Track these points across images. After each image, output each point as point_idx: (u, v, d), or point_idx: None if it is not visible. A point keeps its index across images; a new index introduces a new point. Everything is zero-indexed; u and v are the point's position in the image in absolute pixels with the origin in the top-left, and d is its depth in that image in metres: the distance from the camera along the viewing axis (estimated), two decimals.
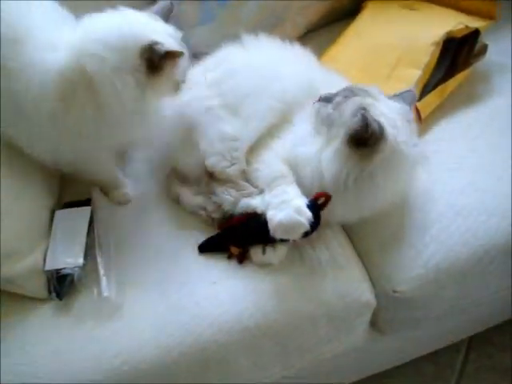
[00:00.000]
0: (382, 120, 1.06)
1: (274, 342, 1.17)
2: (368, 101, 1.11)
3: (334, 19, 1.73)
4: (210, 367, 1.15)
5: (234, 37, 1.39)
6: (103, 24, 1.13)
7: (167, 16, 1.21)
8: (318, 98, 1.16)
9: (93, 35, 1.10)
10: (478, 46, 1.45)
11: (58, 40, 1.13)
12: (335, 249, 1.22)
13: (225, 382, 1.19)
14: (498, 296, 1.31)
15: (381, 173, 1.08)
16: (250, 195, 1.20)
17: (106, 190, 1.36)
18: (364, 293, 1.20)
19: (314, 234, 1.15)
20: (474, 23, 1.45)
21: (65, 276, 1.18)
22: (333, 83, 1.24)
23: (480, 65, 1.47)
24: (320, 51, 1.55)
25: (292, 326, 1.16)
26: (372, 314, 1.24)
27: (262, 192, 1.19)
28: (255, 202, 1.17)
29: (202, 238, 1.24)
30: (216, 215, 1.24)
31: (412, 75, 1.38)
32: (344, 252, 1.23)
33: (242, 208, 1.19)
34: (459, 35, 1.43)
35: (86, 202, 1.31)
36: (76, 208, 1.30)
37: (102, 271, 1.19)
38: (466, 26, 1.42)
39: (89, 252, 1.23)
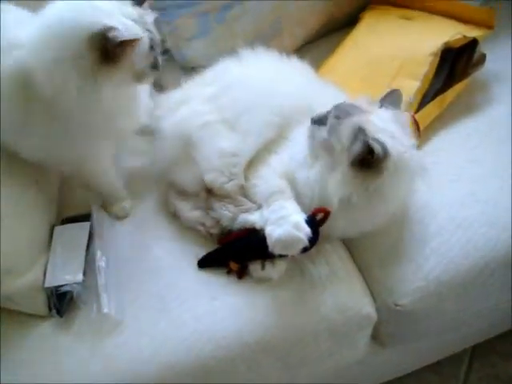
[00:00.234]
0: (382, 137, 1.06)
1: (274, 358, 1.17)
2: (362, 119, 1.10)
3: (332, 29, 1.73)
4: (211, 383, 1.15)
5: (230, 50, 1.39)
6: (52, 11, 1.07)
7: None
8: (310, 120, 1.15)
9: (39, 25, 1.06)
10: (476, 56, 1.44)
11: (20, 38, 1.09)
12: (335, 263, 1.21)
13: None
14: (500, 308, 1.30)
15: (386, 187, 1.08)
16: (248, 211, 1.20)
17: (105, 204, 1.36)
18: (365, 307, 1.19)
19: (314, 249, 1.14)
20: (472, 33, 1.44)
21: (65, 293, 1.18)
22: (330, 97, 1.23)
23: (478, 74, 1.46)
24: (318, 62, 1.56)
25: (292, 341, 1.16)
26: (373, 328, 1.24)
27: (260, 207, 1.18)
28: (253, 218, 1.17)
29: (201, 253, 1.23)
30: (215, 230, 1.24)
31: (411, 86, 1.37)
32: (344, 266, 1.22)
33: (240, 224, 1.19)
34: (457, 45, 1.43)
35: (85, 217, 1.31)
36: (75, 224, 1.29)
37: (101, 287, 1.18)
38: (464, 36, 1.42)
39: (88, 268, 1.22)
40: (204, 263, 1.22)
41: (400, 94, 1.19)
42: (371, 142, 1.03)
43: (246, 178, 1.23)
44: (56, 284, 1.19)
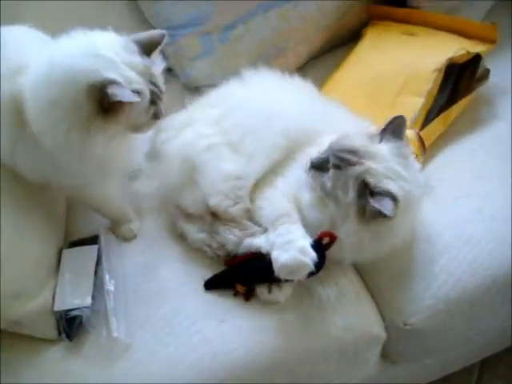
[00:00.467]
0: (387, 183, 1.05)
1: (285, 379, 1.17)
2: (364, 167, 1.07)
3: (335, 45, 1.74)
4: None
5: (234, 69, 1.40)
6: (59, 51, 1.04)
7: (153, 47, 1.09)
8: (310, 162, 1.13)
9: (44, 62, 1.03)
10: (479, 71, 1.44)
11: (27, 63, 1.08)
12: (344, 283, 1.21)
13: None
14: (509, 322, 1.30)
15: (395, 224, 1.07)
16: (253, 235, 1.19)
17: (113, 225, 1.36)
18: (374, 326, 1.20)
19: (322, 270, 1.14)
20: (475, 48, 1.45)
21: (74, 317, 1.18)
22: (335, 116, 1.24)
23: (482, 89, 1.46)
24: (322, 78, 1.56)
25: (302, 362, 1.16)
26: (382, 346, 1.24)
27: (265, 231, 1.18)
28: (259, 242, 1.17)
29: (208, 275, 1.23)
30: (221, 252, 1.23)
31: (415, 103, 1.38)
32: (353, 286, 1.22)
33: (245, 248, 1.18)
34: (461, 61, 1.43)
35: (93, 240, 1.31)
36: (83, 247, 1.30)
37: (110, 312, 1.18)
38: (468, 52, 1.42)
39: (96, 291, 1.22)
40: (210, 285, 1.22)
41: (403, 122, 1.15)
42: (381, 207, 1.02)
43: (252, 200, 1.23)
44: (65, 308, 1.19)
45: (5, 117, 1.10)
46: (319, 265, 1.09)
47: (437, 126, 1.39)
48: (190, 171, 1.26)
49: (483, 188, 1.30)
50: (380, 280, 1.24)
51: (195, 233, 1.27)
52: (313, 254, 1.07)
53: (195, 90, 1.57)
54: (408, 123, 1.32)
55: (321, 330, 1.16)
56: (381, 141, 1.13)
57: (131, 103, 0.99)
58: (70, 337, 1.18)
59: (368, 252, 1.13)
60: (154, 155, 1.34)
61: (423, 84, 1.39)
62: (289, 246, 1.08)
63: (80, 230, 1.37)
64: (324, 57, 1.74)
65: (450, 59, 1.41)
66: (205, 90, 1.44)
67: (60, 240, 1.34)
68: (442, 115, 1.39)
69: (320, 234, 1.10)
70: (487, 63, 1.45)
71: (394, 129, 1.13)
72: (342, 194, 1.08)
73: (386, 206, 1.02)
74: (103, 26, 1.42)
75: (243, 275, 1.18)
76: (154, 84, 1.07)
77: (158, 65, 1.10)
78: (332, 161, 1.09)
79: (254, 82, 1.35)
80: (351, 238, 1.08)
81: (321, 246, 1.09)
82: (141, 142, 1.20)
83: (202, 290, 1.23)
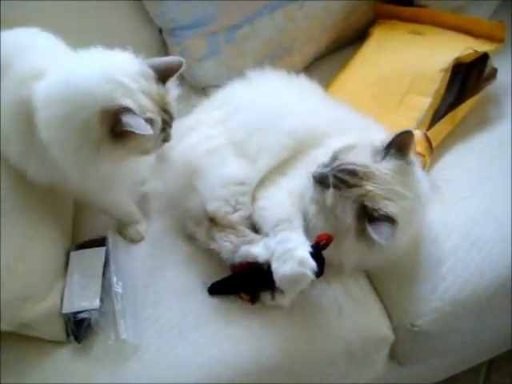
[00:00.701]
0: (386, 206, 1.04)
1: (292, 381, 1.17)
2: (363, 190, 1.06)
3: (342, 45, 1.73)
4: None
5: (241, 69, 1.39)
6: (76, 69, 1.04)
7: (170, 74, 1.08)
8: (312, 176, 1.13)
9: (60, 78, 1.04)
10: (487, 70, 1.43)
11: (44, 70, 1.08)
12: (351, 285, 1.21)
13: None
14: None
15: (397, 237, 1.07)
16: (250, 242, 1.16)
17: (120, 227, 1.37)
18: (382, 328, 1.20)
19: (331, 272, 1.14)
20: (483, 47, 1.44)
21: (82, 319, 1.19)
22: (342, 118, 1.24)
23: (489, 88, 1.45)
24: (328, 78, 1.56)
25: (310, 364, 1.16)
26: (390, 348, 1.24)
27: (264, 236, 1.16)
28: (256, 251, 1.14)
29: (216, 277, 1.23)
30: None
31: (422, 103, 1.38)
32: (360, 288, 1.22)
33: (241, 256, 1.16)
34: (468, 60, 1.43)
35: (100, 242, 1.31)
36: (91, 249, 1.30)
37: (118, 314, 1.19)
38: (475, 51, 1.41)
39: (104, 293, 1.22)
40: (214, 290, 1.22)
41: (410, 138, 1.09)
42: (374, 235, 1.01)
43: (254, 198, 1.22)
44: (73, 310, 1.20)
45: (15, 121, 1.11)
46: (319, 271, 1.07)
47: (444, 125, 1.38)
48: (192, 175, 1.25)
49: (491, 188, 1.29)
50: (387, 282, 1.23)
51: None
52: (313, 264, 1.06)
53: (202, 90, 1.57)
54: (415, 124, 1.34)
55: (329, 331, 1.16)
56: (384, 157, 1.09)
57: (141, 134, 0.98)
58: (78, 339, 1.19)
59: (369, 263, 1.15)
60: (161, 158, 1.34)
61: (430, 84, 1.38)
62: (288, 255, 1.07)
63: (87, 232, 1.37)
64: (330, 57, 1.74)
65: (456, 59, 1.40)
66: (211, 91, 1.44)
67: (68, 242, 1.34)
68: (450, 115, 1.38)
69: (317, 237, 1.09)
70: (495, 63, 1.44)
71: (399, 144, 1.08)
72: (342, 215, 1.07)
73: (382, 233, 1.01)
74: (107, 27, 1.44)
75: (246, 283, 1.17)
76: (167, 112, 1.07)
77: (172, 91, 1.10)
78: (331, 180, 1.08)
79: (259, 82, 1.35)
80: (351, 254, 1.09)
81: (319, 249, 1.08)
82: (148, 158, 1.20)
83: None
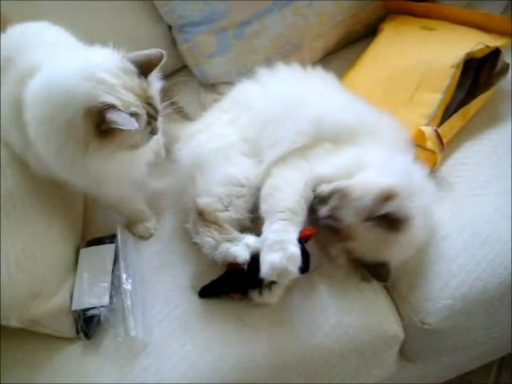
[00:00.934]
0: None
1: (302, 379, 1.16)
2: (344, 245, 1.12)
3: (352, 41, 1.72)
4: None
5: (250, 66, 1.40)
6: (61, 68, 1.04)
7: (151, 67, 1.07)
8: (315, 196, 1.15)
9: (46, 76, 1.04)
10: (499, 66, 1.42)
11: (40, 66, 1.08)
12: (362, 283, 1.20)
13: None
14: None
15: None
16: (232, 240, 1.14)
17: (129, 224, 1.37)
18: (392, 326, 1.19)
19: (340, 270, 1.15)
20: (494, 42, 1.42)
21: (92, 316, 1.19)
22: (365, 114, 1.26)
23: (502, 84, 1.43)
24: (338, 74, 1.53)
25: (320, 362, 1.16)
26: (401, 345, 1.23)
27: (247, 234, 1.16)
28: (234, 250, 1.12)
29: (198, 285, 1.22)
30: None
31: (433, 99, 1.36)
32: (371, 286, 1.21)
33: (221, 253, 1.14)
34: (479, 55, 1.41)
35: (110, 238, 1.32)
36: (100, 246, 1.30)
37: (127, 311, 1.19)
38: (487, 46, 1.39)
39: (114, 290, 1.23)
40: (205, 294, 1.21)
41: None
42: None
43: (270, 173, 1.20)
44: (83, 307, 1.21)
45: (14, 115, 1.11)
46: (305, 266, 1.08)
47: (455, 121, 1.36)
48: (195, 169, 1.25)
49: (503, 185, 1.27)
50: (398, 279, 1.22)
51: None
52: (299, 263, 1.06)
53: (211, 87, 1.56)
54: (425, 120, 1.33)
55: (339, 329, 1.15)
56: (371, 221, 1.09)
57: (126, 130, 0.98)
58: (87, 335, 1.20)
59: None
60: (171, 159, 1.35)
61: (441, 80, 1.37)
62: (280, 246, 1.06)
63: (97, 230, 1.38)
64: (340, 52, 1.72)
65: (468, 54, 1.38)
66: (220, 87, 1.44)
67: (77, 239, 1.35)
68: (461, 110, 1.36)
69: (301, 233, 1.10)
70: (507, 57, 1.42)
71: (390, 220, 1.08)
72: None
73: None
74: (117, 24, 1.44)
75: (236, 282, 1.16)
76: (151, 105, 1.06)
77: (154, 84, 1.09)
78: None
79: (269, 78, 1.34)
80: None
81: (303, 244, 1.09)
82: (143, 153, 1.18)
83: None
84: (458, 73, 1.37)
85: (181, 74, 1.67)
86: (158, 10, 1.55)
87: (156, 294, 1.25)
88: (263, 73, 1.35)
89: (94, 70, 1.00)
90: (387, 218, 1.07)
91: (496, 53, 1.42)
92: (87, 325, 1.19)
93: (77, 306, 1.22)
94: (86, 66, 1.02)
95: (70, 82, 1.00)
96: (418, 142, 1.29)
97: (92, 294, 1.22)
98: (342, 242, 1.13)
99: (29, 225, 1.19)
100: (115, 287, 1.23)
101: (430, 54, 1.43)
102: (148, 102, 1.05)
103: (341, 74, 1.56)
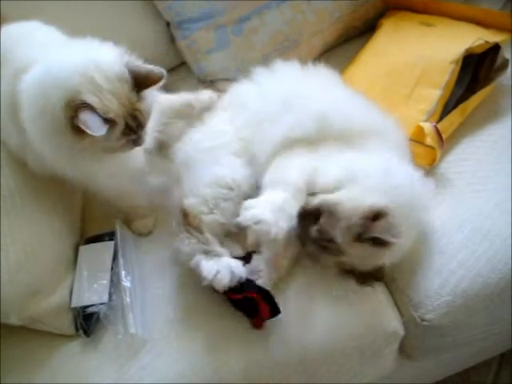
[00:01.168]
0: None
1: (304, 377, 1.16)
2: (339, 259, 1.12)
3: (351, 38, 1.71)
4: None
5: (249, 62, 1.39)
6: (53, 61, 1.05)
7: (148, 85, 1.05)
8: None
9: (39, 70, 1.05)
10: (498, 61, 1.42)
11: (34, 63, 1.08)
12: None
13: None
14: None
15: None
16: (207, 253, 1.12)
17: (128, 220, 1.36)
18: (392, 322, 1.18)
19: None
20: (494, 37, 1.42)
21: (91, 314, 1.19)
22: (370, 113, 1.25)
23: (501, 79, 1.43)
24: (338, 70, 1.53)
25: (321, 360, 1.16)
26: (400, 342, 1.23)
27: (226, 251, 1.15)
28: (204, 266, 1.10)
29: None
30: None
31: (432, 95, 1.36)
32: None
33: (193, 265, 1.11)
34: (479, 51, 1.40)
35: (109, 236, 1.31)
36: (99, 243, 1.30)
37: (127, 308, 1.19)
38: (486, 42, 1.39)
39: (113, 287, 1.23)
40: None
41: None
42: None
43: (280, 156, 1.19)
44: (82, 304, 1.21)
45: (11, 112, 1.11)
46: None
47: (455, 117, 1.36)
48: (184, 168, 1.25)
49: (503, 181, 1.27)
50: (397, 276, 1.22)
51: None
52: (282, 231, 1.05)
53: (210, 83, 1.56)
54: (425, 116, 1.33)
55: (338, 327, 1.15)
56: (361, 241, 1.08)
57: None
58: (87, 333, 1.20)
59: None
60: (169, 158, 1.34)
61: (440, 76, 1.36)
62: (269, 205, 1.06)
63: (96, 227, 1.37)
64: (339, 48, 1.71)
65: (467, 50, 1.37)
66: (219, 83, 1.43)
67: (76, 237, 1.35)
68: (460, 106, 1.36)
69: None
70: (506, 53, 1.42)
71: (379, 241, 1.06)
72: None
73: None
74: (115, 21, 1.43)
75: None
76: (135, 118, 1.05)
77: (148, 100, 1.08)
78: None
79: (265, 77, 1.34)
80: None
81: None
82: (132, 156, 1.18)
83: None
84: (458, 68, 1.37)
85: (179, 71, 1.66)
86: (157, 7, 1.54)
87: (155, 291, 1.24)
88: (260, 72, 1.35)
89: (88, 68, 1.00)
90: (376, 239, 1.05)
91: (495, 48, 1.42)
92: (87, 322, 1.19)
93: (76, 303, 1.22)
94: (83, 62, 1.02)
95: (62, 74, 1.00)
96: (418, 138, 1.29)
97: (91, 292, 1.22)
98: (333, 256, 1.12)
99: (29, 223, 1.19)
100: (114, 284, 1.23)
101: (429, 49, 1.43)
102: (132, 115, 1.04)
103: (340, 70, 1.55)
